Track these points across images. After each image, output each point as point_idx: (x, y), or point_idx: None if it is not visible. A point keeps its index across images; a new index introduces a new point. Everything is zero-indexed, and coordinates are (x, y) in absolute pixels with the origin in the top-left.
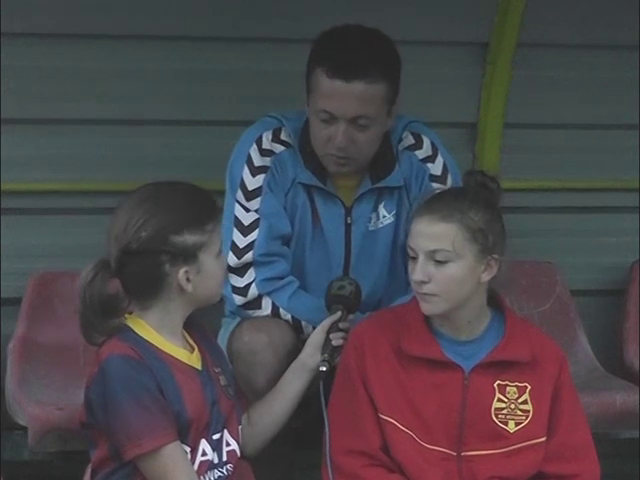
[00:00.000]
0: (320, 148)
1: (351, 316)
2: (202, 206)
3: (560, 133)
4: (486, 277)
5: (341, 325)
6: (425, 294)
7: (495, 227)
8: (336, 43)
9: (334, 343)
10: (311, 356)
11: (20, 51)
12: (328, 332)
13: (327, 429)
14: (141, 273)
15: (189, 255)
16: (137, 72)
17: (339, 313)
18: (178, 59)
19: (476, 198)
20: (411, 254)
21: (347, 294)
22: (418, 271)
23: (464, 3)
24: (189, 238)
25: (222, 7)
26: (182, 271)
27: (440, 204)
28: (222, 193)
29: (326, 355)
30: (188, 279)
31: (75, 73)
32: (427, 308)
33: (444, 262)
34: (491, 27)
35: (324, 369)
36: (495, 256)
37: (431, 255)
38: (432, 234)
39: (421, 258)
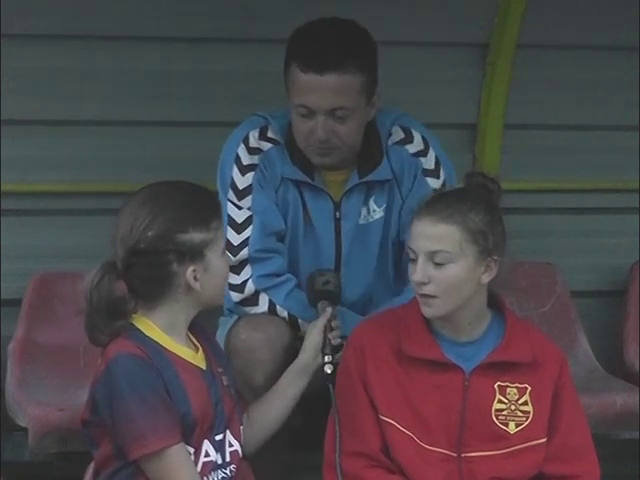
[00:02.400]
0: (302, 142)
1: (329, 309)
2: (206, 204)
3: (560, 134)
4: (486, 278)
5: (333, 324)
6: (425, 295)
7: (495, 228)
8: (308, 37)
9: (334, 342)
10: (313, 358)
11: (20, 52)
12: (325, 332)
13: (338, 431)
14: (149, 273)
15: (196, 253)
16: (137, 73)
17: (329, 309)
18: (177, 60)
19: (477, 199)
20: (411, 255)
21: (333, 288)
22: (418, 272)
23: (464, 4)
24: (196, 236)
25: (221, 8)
26: (190, 270)
27: (440, 205)
28: None
29: (330, 357)
30: (196, 278)
31: (75, 74)
32: (428, 311)
33: (444, 263)
34: (491, 28)
35: (329, 371)
36: (495, 257)
37: (431, 256)
38: (432, 235)
39: (421, 259)
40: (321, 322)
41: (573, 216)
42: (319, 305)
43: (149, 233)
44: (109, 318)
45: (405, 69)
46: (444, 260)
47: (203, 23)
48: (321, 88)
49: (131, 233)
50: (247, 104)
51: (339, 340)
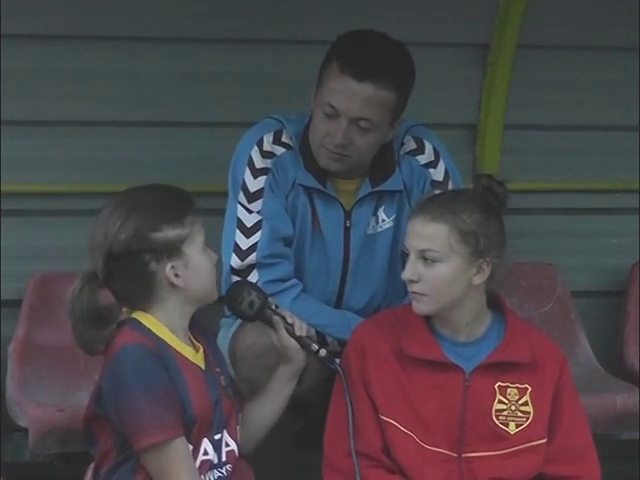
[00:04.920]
0: (317, 140)
1: (275, 317)
2: (177, 200)
3: (560, 134)
4: (478, 280)
5: (290, 320)
6: (415, 293)
7: (489, 230)
8: (358, 43)
9: (306, 333)
10: (299, 360)
11: (20, 53)
12: (292, 335)
13: (349, 406)
14: (128, 276)
15: (173, 250)
16: (137, 74)
17: (276, 318)
18: (177, 61)
19: (472, 200)
20: (406, 252)
21: (259, 306)
22: (408, 270)
23: (464, 4)
24: (169, 233)
25: (222, 9)
26: (169, 266)
27: (434, 205)
28: (221, 195)
29: (314, 345)
30: (177, 274)
31: (75, 74)
32: (416, 306)
33: (433, 262)
34: (491, 28)
35: (324, 354)
36: (487, 259)
37: (421, 254)
38: (423, 234)
39: (412, 257)
40: (282, 333)
41: (573, 216)
42: (259, 321)
43: (122, 236)
44: (94, 328)
45: None
46: (433, 259)
47: (203, 23)
48: (354, 94)
49: (105, 240)
50: (247, 105)
51: (305, 327)
